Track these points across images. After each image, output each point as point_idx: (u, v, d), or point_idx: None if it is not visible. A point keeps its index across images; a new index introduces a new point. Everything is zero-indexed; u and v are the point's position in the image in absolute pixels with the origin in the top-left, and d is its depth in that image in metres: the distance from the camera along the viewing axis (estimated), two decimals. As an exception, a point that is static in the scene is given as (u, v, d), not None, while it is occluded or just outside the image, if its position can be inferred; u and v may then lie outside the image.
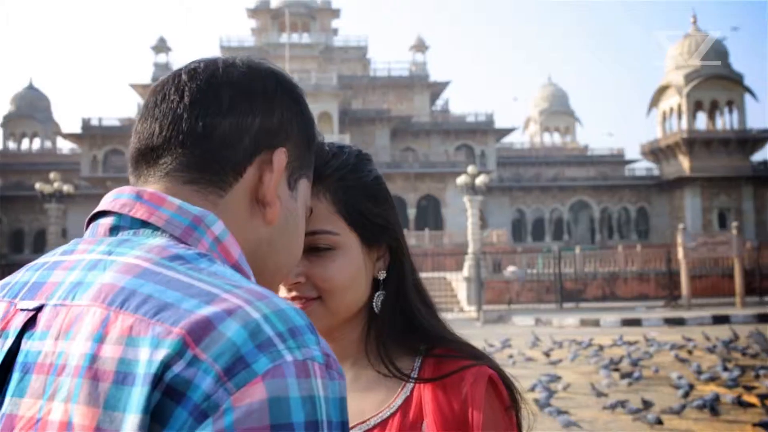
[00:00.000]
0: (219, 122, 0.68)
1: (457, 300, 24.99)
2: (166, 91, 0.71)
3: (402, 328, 1.00)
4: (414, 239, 38.30)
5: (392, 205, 1.04)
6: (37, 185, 27.32)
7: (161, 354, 0.51)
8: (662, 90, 48.03)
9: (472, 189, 25.35)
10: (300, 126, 0.76)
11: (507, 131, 51.23)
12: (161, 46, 50.51)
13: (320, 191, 0.95)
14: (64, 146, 53.52)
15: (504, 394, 0.95)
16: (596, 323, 19.16)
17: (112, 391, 0.51)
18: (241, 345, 0.51)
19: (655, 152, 48.80)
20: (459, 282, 25.22)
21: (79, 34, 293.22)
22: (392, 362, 0.97)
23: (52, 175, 27.85)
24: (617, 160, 54.71)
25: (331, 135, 42.64)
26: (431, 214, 45.24)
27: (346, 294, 0.96)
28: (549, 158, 53.91)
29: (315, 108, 43.08)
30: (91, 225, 0.68)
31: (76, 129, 46.21)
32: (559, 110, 58.64)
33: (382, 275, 1.01)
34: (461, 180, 25.65)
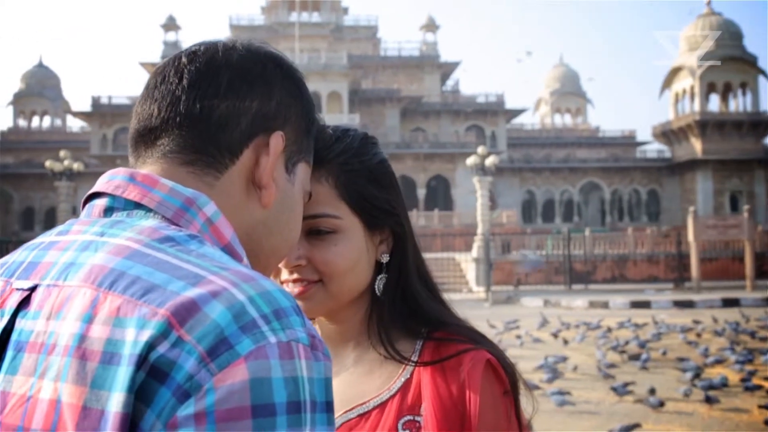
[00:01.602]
0: (217, 104, 0.69)
1: (465, 281, 25.02)
2: (166, 73, 0.71)
3: (403, 311, 1.00)
4: (423, 220, 38.29)
5: (397, 189, 1.04)
6: (47, 163, 27.40)
7: (146, 335, 0.52)
8: (675, 71, 47.52)
9: (481, 170, 25.26)
10: (299, 110, 0.76)
11: (518, 112, 50.94)
12: (171, 25, 50.34)
13: (322, 175, 0.95)
14: (74, 124, 53.78)
15: (502, 377, 0.94)
16: (605, 305, 19.15)
17: (99, 370, 0.52)
18: (225, 326, 0.52)
19: (667, 134, 48.40)
20: (468, 263, 25.22)
21: (89, 12, 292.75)
22: (392, 345, 0.97)
23: (62, 153, 27.93)
24: (628, 141, 54.37)
25: (340, 115, 42.53)
26: (441, 195, 45.19)
27: (347, 277, 0.96)
28: (560, 139, 53.61)
29: (324, 88, 42.96)
30: (86, 206, 0.69)
31: (86, 107, 46.34)
32: (570, 91, 58.18)
33: (384, 259, 1.01)
34: (471, 161, 25.56)
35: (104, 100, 45.59)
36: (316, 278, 0.95)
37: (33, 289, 0.60)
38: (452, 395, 0.91)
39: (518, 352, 10.77)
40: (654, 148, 51.83)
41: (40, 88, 52.06)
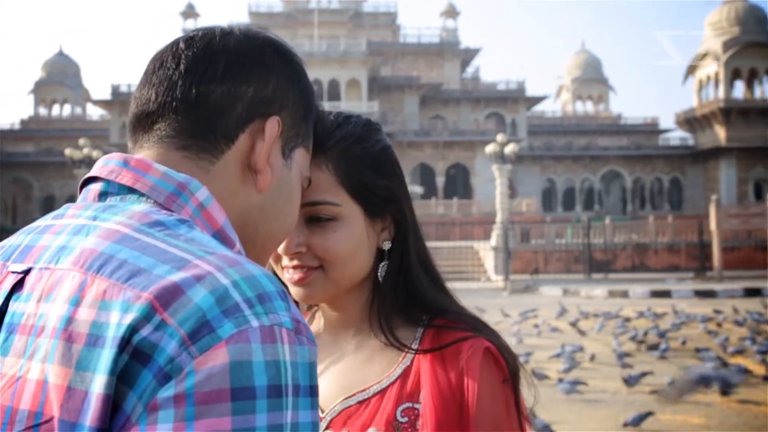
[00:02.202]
0: (213, 89, 0.69)
1: (484, 269, 24.93)
2: (164, 59, 0.72)
3: (404, 298, 0.99)
4: (442, 208, 38.20)
5: (400, 177, 1.02)
6: (67, 151, 27.65)
7: (129, 318, 0.53)
8: (699, 57, 46.77)
9: (501, 158, 25.08)
10: (297, 96, 0.76)
11: (538, 99, 50.53)
12: (190, 12, 50.54)
13: (322, 162, 0.94)
14: (94, 112, 54.23)
15: (502, 365, 0.93)
16: (625, 294, 18.99)
17: (84, 352, 0.53)
18: (207, 310, 0.53)
19: (691, 122, 47.72)
20: (486, 251, 25.12)
21: (109, 1, 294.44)
22: (392, 332, 0.96)
23: (81, 141, 28.15)
24: (651, 129, 53.69)
25: (359, 102, 42.44)
26: (460, 183, 45.02)
27: (348, 264, 0.96)
28: (581, 127, 53.05)
29: (343, 75, 42.87)
30: (83, 190, 0.69)
31: (106, 95, 46.79)
32: (592, 78, 57.48)
33: (386, 246, 1.00)
34: (490, 148, 25.38)
35: (124, 89, 45.93)
36: (316, 264, 0.95)
37: (27, 272, 0.61)
38: (451, 383, 0.91)
39: (535, 341, 10.71)
40: (677, 136, 51.26)
41: (60, 76, 52.46)
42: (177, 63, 0.70)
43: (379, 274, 1.00)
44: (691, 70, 47.87)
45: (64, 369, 0.54)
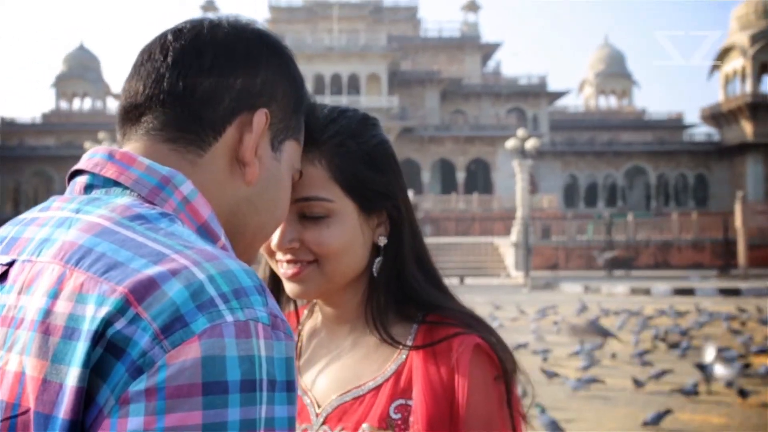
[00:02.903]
0: (200, 82, 0.69)
1: (504, 265, 24.79)
2: (152, 51, 0.72)
3: (399, 295, 0.98)
4: (462, 203, 38.02)
5: (396, 172, 1.01)
6: (87, 145, 27.99)
7: (103, 311, 0.53)
8: (725, 51, 46.03)
9: (521, 153, 24.90)
10: (286, 88, 0.75)
11: (560, 94, 50.08)
12: (209, 6, 50.73)
13: (315, 157, 0.93)
14: (114, 106, 54.43)
15: (494, 362, 0.92)
16: (647, 292, 18.78)
17: (60, 345, 0.54)
18: (181, 304, 0.53)
19: (716, 117, 47.01)
20: (506, 247, 24.97)
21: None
22: (386, 329, 0.96)
23: (100, 135, 28.50)
24: (675, 124, 52.93)
25: (379, 97, 42.37)
26: (481, 178, 44.79)
27: (341, 259, 0.95)
28: (604, 122, 52.46)
29: (363, 70, 42.80)
30: (70, 182, 0.69)
31: (128, 90, 46.88)
32: (615, 72, 56.77)
33: (382, 241, 0.99)
34: (511, 144, 25.20)
35: (146, 83, 46.09)
36: (310, 258, 0.94)
37: (11, 264, 0.62)
38: (442, 380, 0.91)
39: (555, 339, 10.60)
40: (702, 131, 50.50)
41: (81, 70, 52.90)
42: (165, 55, 0.70)
43: (374, 269, 0.98)
44: (717, 64, 47.11)
45: (40, 361, 0.54)
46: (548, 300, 15.92)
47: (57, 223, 0.62)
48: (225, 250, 0.65)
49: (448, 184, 44.12)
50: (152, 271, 0.54)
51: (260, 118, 0.70)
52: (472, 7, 51.15)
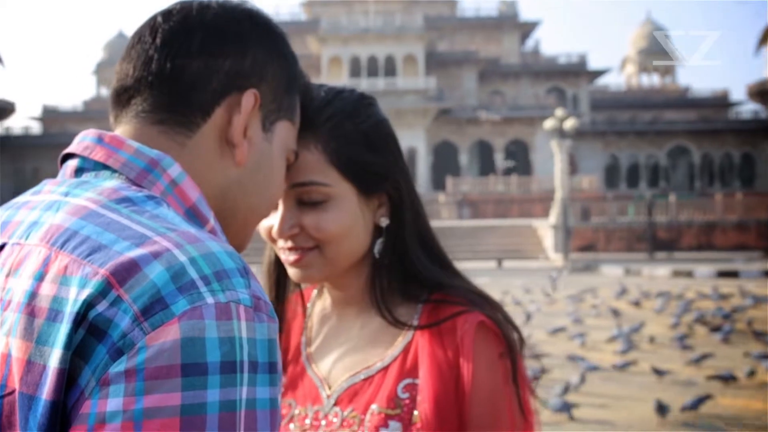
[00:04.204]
0: (188, 63, 0.70)
1: (542, 248, 24.54)
2: (142, 33, 0.72)
3: (402, 275, 0.98)
4: (501, 185, 37.70)
5: (394, 153, 0.99)
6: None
7: (85, 293, 0.54)
8: (774, 26, 44.46)
9: (560, 133, 24.52)
10: (277, 68, 0.75)
11: (601, 72, 49.14)
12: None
13: (311, 141, 0.92)
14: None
15: (499, 339, 0.93)
16: (689, 274, 18.41)
17: (44, 327, 0.55)
18: (162, 287, 0.53)
19: (763, 94, 45.52)
20: (545, 229, 24.70)
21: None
22: (389, 310, 0.96)
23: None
24: (721, 102, 51.50)
25: (416, 78, 42.11)
26: (520, 160, 44.29)
27: (343, 242, 0.94)
28: (646, 101, 51.30)
29: (399, 51, 42.54)
30: (62, 166, 0.70)
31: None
32: (658, 50, 55.42)
33: (384, 222, 0.98)
34: (549, 124, 24.82)
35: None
36: (311, 245, 0.94)
37: (2, 247, 0.63)
38: (448, 358, 0.92)
39: (594, 322, 10.49)
40: (749, 109, 48.99)
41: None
42: (154, 37, 0.70)
43: (375, 250, 0.98)
44: (764, 39, 45.56)
45: (25, 342, 0.55)
46: (587, 283, 15.72)
47: (46, 206, 0.63)
48: (214, 232, 0.66)
49: (486, 166, 43.76)
50: (134, 253, 0.55)
51: (249, 99, 0.70)
52: (510, -14, 50.33)
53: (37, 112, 50.09)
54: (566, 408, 5.74)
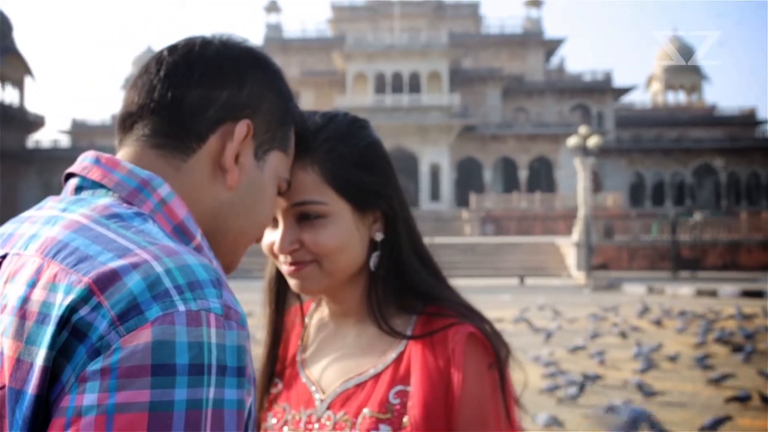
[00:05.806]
0: (188, 93, 0.75)
1: (565, 266, 24.41)
2: (149, 65, 0.79)
3: (398, 287, 1.03)
4: (525, 202, 37.58)
5: (387, 172, 1.05)
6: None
7: (69, 299, 0.59)
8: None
9: (583, 150, 24.45)
10: (272, 102, 0.81)
11: (626, 90, 48.83)
12: (272, 7, 51.44)
13: (308, 163, 0.98)
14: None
15: (488, 350, 0.97)
16: (713, 294, 18.17)
17: (33, 328, 0.60)
18: (138, 294, 0.59)
19: (793, 112, 44.94)
20: (568, 247, 24.58)
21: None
22: (385, 320, 1.02)
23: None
24: (748, 120, 50.93)
25: (440, 95, 42.24)
26: (543, 177, 44.13)
27: (339, 257, 1.00)
28: (672, 118, 50.89)
29: (424, 67, 42.72)
30: (65, 184, 0.76)
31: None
32: (684, 67, 55.05)
33: (378, 237, 1.04)
34: (572, 141, 24.74)
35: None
36: (310, 259, 1.00)
37: (4, 257, 0.68)
38: (439, 367, 0.96)
39: (613, 341, 10.44)
40: (777, 127, 48.35)
41: (149, 72, 54.67)
42: (158, 69, 0.77)
43: (371, 264, 1.03)
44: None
45: (16, 342, 0.61)
46: (610, 301, 15.63)
47: (45, 220, 0.69)
48: (200, 248, 0.71)
49: (510, 183, 43.67)
50: (116, 264, 0.60)
51: (242, 128, 0.76)
52: (535, 3, 50.36)
53: (67, 125, 51.19)
54: (554, 423, 5.75)
